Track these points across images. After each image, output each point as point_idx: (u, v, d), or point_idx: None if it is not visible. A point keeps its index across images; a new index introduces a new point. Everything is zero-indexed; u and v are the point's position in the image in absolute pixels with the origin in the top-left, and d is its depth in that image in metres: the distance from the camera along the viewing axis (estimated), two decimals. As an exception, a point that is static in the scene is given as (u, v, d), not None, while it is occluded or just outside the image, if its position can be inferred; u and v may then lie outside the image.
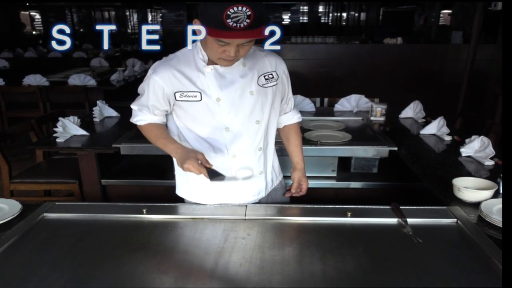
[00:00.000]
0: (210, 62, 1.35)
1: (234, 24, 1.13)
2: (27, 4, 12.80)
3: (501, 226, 1.29)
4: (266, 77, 1.43)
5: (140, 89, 1.44)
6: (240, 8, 1.12)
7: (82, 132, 2.53)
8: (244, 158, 1.46)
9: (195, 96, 1.36)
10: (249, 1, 1.14)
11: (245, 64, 1.39)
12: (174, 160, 1.41)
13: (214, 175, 1.30)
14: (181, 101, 1.38)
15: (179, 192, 1.57)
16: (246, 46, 1.26)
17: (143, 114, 1.45)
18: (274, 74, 1.45)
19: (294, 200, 1.64)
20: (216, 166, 1.45)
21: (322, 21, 14.38)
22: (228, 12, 1.12)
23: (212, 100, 1.36)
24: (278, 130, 1.63)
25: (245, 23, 1.14)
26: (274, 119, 1.52)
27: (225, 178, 1.32)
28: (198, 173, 1.29)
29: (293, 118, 1.62)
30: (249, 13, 1.13)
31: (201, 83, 1.36)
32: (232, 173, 1.47)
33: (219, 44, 1.22)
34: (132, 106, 1.48)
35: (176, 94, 1.37)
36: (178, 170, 1.50)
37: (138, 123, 1.48)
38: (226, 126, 1.40)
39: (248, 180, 1.50)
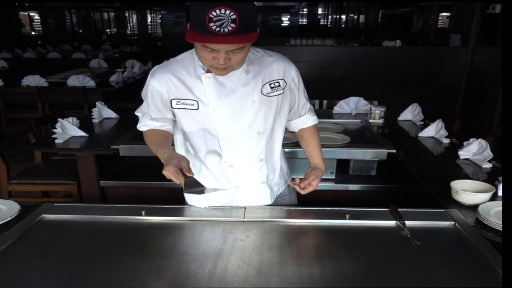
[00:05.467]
0: (209, 69, 1.28)
1: (218, 29, 1.06)
2: (26, 4, 12.79)
3: (498, 228, 1.29)
4: (272, 85, 1.34)
5: (142, 94, 1.43)
6: (223, 11, 1.05)
7: (81, 133, 2.53)
8: (242, 168, 1.41)
9: (192, 105, 1.32)
10: (236, 1, 1.07)
11: (249, 71, 1.31)
12: None
13: (192, 186, 1.20)
14: (177, 108, 1.35)
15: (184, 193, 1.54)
16: (238, 53, 1.17)
17: (145, 120, 1.43)
18: (281, 82, 1.36)
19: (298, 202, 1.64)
20: (214, 175, 1.43)
21: (321, 23, 14.42)
22: (211, 15, 1.05)
23: (210, 109, 1.31)
24: (294, 133, 1.59)
25: (229, 28, 1.06)
26: (279, 128, 1.44)
27: (204, 191, 1.22)
28: (176, 181, 1.21)
29: (309, 121, 1.53)
30: (233, 17, 1.06)
31: (198, 91, 1.30)
32: (230, 183, 1.44)
33: (207, 51, 1.15)
34: (136, 113, 1.46)
35: (173, 101, 1.34)
36: None
37: (141, 129, 1.46)
38: (224, 136, 1.35)
39: (249, 190, 1.46)
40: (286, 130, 1.61)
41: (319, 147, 1.54)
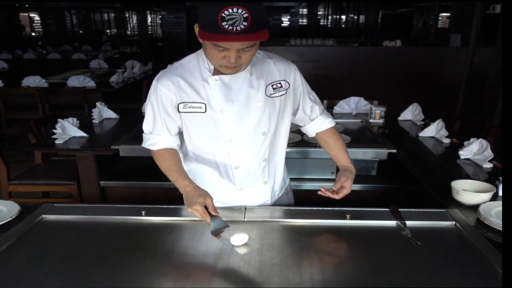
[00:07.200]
0: (216, 71, 1.29)
1: (230, 27, 1.07)
2: (27, 5, 12.80)
3: (499, 228, 1.29)
4: (274, 86, 1.35)
5: (146, 105, 1.38)
6: (235, 9, 1.06)
7: (81, 133, 2.53)
8: (247, 169, 1.41)
9: (200, 108, 1.31)
10: (246, 1, 1.08)
11: (252, 73, 1.32)
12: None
13: (217, 224, 1.23)
14: (184, 112, 1.33)
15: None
16: (248, 52, 1.18)
17: (155, 137, 1.37)
18: (283, 83, 1.37)
19: (294, 202, 1.64)
20: (219, 177, 1.43)
21: (322, 23, 14.43)
22: (223, 14, 1.06)
23: (216, 112, 1.31)
24: (316, 139, 1.55)
25: (242, 26, 1.07)
26: (283, 128, 1.44)
27: (226, 228, 1.25)
28: (202, 219, 1.24)
29: (323, 124, 1.50)
30: (246, 15, 1.07)
31: (205, 94, 1.30)
32: (235, 185, 1.44)
33: (218, 50, 1.16)
34: (143, 128, 1.40)
35: (180, 105, 1.32)
36: None
37: (151, 148, 1.39)
38: (230, 138, 1.35)
39: (252, 191, 1.46)
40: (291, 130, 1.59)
41: (344, 149, 1.49)
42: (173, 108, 1.34)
